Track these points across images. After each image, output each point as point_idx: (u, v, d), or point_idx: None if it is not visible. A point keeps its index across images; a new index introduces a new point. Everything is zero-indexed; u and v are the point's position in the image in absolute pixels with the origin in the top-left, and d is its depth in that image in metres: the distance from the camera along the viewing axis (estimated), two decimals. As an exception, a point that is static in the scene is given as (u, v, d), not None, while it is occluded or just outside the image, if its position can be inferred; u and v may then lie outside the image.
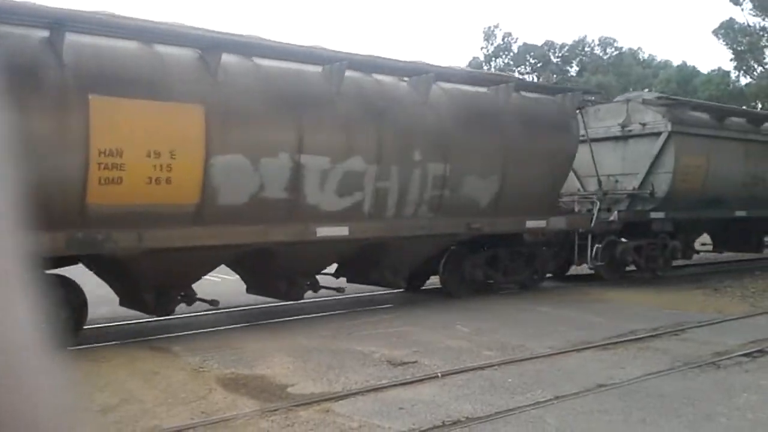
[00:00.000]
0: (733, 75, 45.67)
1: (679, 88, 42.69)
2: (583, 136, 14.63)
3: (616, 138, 15.83)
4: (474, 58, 60.02)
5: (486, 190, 11.93)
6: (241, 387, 6.74)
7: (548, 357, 8.06)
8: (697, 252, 17.83)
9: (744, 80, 45.46)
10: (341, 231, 10.10)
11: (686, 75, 47.84)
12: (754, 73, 45.28)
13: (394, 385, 6.82)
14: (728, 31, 43.54)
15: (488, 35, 60.03)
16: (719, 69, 45.77)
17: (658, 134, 14.93)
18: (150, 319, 10.42)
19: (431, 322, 10.05)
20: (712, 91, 41.48)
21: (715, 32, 44.03)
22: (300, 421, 5.77)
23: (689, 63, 58.17)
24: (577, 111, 15.46)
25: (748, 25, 43.21)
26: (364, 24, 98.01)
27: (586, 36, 61.54)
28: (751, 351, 8.40)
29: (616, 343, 8.83)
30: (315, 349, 8.31)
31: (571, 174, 15.54)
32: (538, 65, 59.39)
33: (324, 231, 9.87)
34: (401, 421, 5.81)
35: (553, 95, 13.68)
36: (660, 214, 15.27)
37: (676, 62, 54.45)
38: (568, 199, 15.15)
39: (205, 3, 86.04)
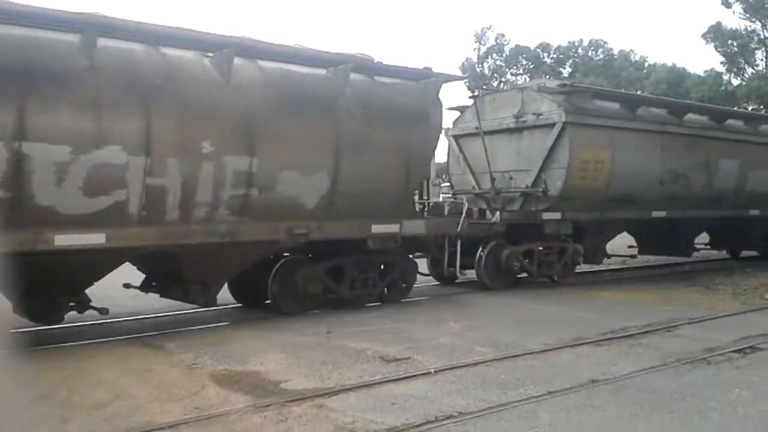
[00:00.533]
0: (725, 77, 45.93)
1: (671, 90, 42.85)
2: (477, 128, 13.84)
3: (510, 130, 14.20)
4: (467, 59, 60.19)
5: (312, 188, 10.09)
6: (235, 383, 6.73)
7: (541, 353, 8.08)
8: (609, 256, 16.03)
9: (736, 82, 45.71)
10: (94, 239, 8.16)
11: (677, 77, 47.99)
12: (745, 74, 45.54)
13: (387, 381, 6.83)
14: (717, 35, 43.78)
15: (480, 36, 60.19)
16: (712, 70, 46.00)
17: (552, 125, 13.33)
18: (142, 316, 10.41)
19: (424, 319, 10.07)
20: (705, 93, 41.65)
21: (705, 35, 44.29)
22: (293, 416, 5.77)
23: (681, 65, 58.38)
24: (471, 98, 14.48)
25: (737, 29, 43.50)
26: (360, 26, 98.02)
27: (582, 39, 61.77)
28: (742, 347, 8.45)
29: (609, 339, 8.86)
30: (308, 346, 8.30)
31: (467, 171, 14.89)
32: (531, 67, 59.57)
33: (66, 239, 7.96)
34: (394, 416, 5.82)
35: (412, 80, 11.60)
36: (554, 215, 13.72)
37: (667, 64, 54.67)
38: (463, 197, 13.69)
39: None
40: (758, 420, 5.93)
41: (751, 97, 41.96)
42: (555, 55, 60.96)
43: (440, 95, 11.76)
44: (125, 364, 7.43)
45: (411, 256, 12.33)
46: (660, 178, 14.91)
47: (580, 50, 61.77)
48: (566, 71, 59.84)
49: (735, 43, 44.18)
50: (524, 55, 59.94)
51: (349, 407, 6.02)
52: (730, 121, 17.16)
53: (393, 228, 11.15)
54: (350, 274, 11.09)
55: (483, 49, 59.98)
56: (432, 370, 7.17)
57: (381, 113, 10.89)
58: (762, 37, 44.26)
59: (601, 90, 16.40)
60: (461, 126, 15.24)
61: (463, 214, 12.50)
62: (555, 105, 13.45)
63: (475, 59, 59.99)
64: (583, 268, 16.55)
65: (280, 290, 10.44)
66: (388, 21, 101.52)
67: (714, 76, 45.33)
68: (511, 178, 14.12)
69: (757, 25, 43.83)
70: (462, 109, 15.29)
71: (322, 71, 10.52)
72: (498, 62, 59.80)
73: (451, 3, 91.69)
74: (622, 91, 17.31)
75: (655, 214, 15.29)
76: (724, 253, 20.61)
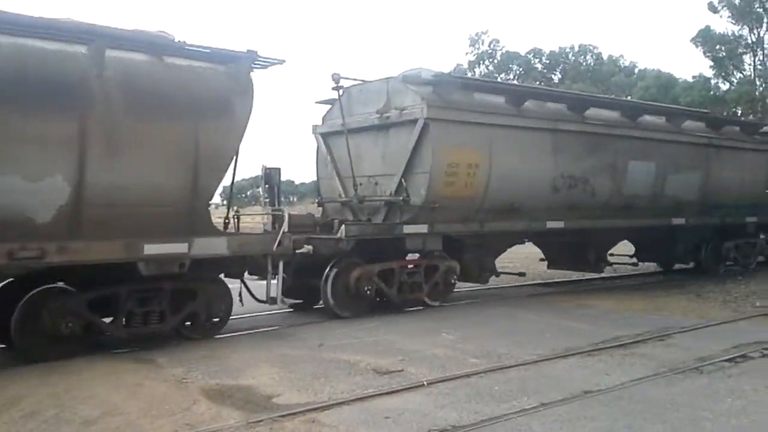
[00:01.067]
0: (713, 82, 46.20)
1: (659, 95, 43.07)
2: (342, 124, 12.05)
3: (377, 128, 12.19)
4: (458, 64, 60.32)
5: (44, 199, 7.87)
6: (226, 398, 6.68)
7: (534, 364, 8.07)
8: (497, 274, 13.72)
9: (724, 87, 45.97)
10: None
11: (665, 82, 48.23)
12: (733, 79, 45.82)
13: (380, 394, 6.79)
14: (706, 39, 44.05)
15: (475, 41, 60.32)
16: (700, 75, 46.26)
17: (415, 122, 11.41)
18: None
19: (416, 331, 10.03)
20: (694, 98, 41.87)
21: (693, 40, 44.54)
22: (286, 432, 5.74)
23: (669, 70, 58.77)
24: (334, 90, 12.05)
25: (726, 34, 43.80)
26: (357, 28, 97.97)
27: (573, 45, 62.09)
28: (734, 356, 8.46)
29: (601, 349, 8.86)
30: (300, 359, 8.26)
31: (334, 175, 12.93)
32: (522, 72, 59.78)
33: None
34: (388, 430, 5.80)
35: (218, 63, 9.35)
36: (419, 228, 11.61)
37: (656, 70, 55.00)
38: (284, 209, 11.00)
39: None
40: (751, 429, 5.94)
41: (741, 101, 42.22)
42: (547, 61, 61.20)
43: (252, 81, 9.55)
44: (115, 379, 7.36)
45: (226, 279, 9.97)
46: (553, 184, 13.05)
47: (570, 56, 62.05)
48: (557, 77, 60.12)
49: (723, 48, 44.47)
50: (515, 61, 60.14)
51: (342, 422, 5.99)
52: (646, 118, 15.31)
53: (177, 248, 8.82)
54: (124, 308, 8.73)
55: (475, 53, 60.10)
56: (425, 383, 7.15)
57: (160, 101, 8.65)
58: (749, 41, 44.57)
59: (476, 81, 14.21)
60: (329, 123, 13.21)
61: (282, 229, 9.96)
62: (419, 98, 11.46)
63: (465, 65, 60.16)
64: (572, 276, 16.56)
65: (21, 330, 8.20)
66: (383, 27, 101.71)
67: (702, 82, 45.57)
68: (376, 183, 12.21)
69: (745, 30, 44.16)
70: (332, 103, 13.12)
71: (71, 48, 8.17)
72: (489, 68, 59.96)
73: (445, 8, 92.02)
74: (503, 82, 14.28)
75: (551, 224, 13.38)
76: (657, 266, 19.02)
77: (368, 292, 11.15)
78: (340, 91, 12.14)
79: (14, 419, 6.11)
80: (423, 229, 11.71)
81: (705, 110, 21.44)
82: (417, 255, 12.11)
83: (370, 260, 11.38)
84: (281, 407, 6.39)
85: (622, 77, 56.99)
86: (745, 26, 44.12)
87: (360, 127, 12.33)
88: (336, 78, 11.81)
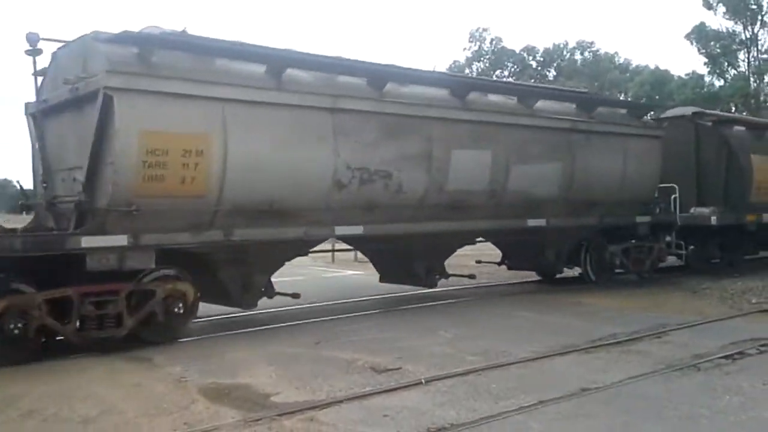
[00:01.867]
0: (707, 78, 46.38)
1: (654, 92, 43.20)
2: (39, 101, 9.66)
3: (72, 104, 9.05)
4: (455, 61, 60.30)
5: None
6: (224, 397, 6.67)
7: (531, 362, 8.07)
8: (271, 296, 10.48)
9: (718, 83, 46.14)
10: None
11: (659, 78, 48.38)
12: (728, 75, 45.98)
13: (379, 392, 6.79)
14: (700, 36, 44.21)
15: (476, 37, 60.20)
16: (693, 72, 46.43)
17: (97, 94, 8.35)
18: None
19: (414, 328, 10.04)
20: (687, 95, 41.99)
21: (688, 36, 44.70)
22: (284, 431, 5.73)
23: (664, 67, 58.83)
24: (31, 56, 9.41)
25: (720, 30, 43.96)
26: (354, 26, 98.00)
27: (567, 42, 62.07)
28: (731, 353, 8.46)
29: (598, 346, 8.87)
30: (298, 357, 8.26)
31: (40, 167, 9.76)
32: (516, 70, 59.79)
33: None
34: (386, 428, 5.79)
35: None
36: (112, 240, 8.41)
37: (650, 66, 55.12)
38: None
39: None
40: (749, 426, 5.95)
41: (735, 97, 42.39)
42: (541, 59, 61.22)
43: None
44: (113, 379, 7.36)
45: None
46: (335, 178, 10.11)
47: (565, 52, 62.09)
48: (551, 74, 60.16)
49: (717, 45, 44.62)
50: (510, 58, 60.17)
51: (340, 420, 5.98)
52: (489, 97, 12.39)
53: None
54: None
55: (473, 49, 60.04)
56: (423, 380, 7.14)
57: None
58: (744, 38, 44.71)
59: (220, 43, 9.84)
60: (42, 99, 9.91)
61: None
62: (106, 62, 8.37)
63: (462, 61, 60.16)
64: (567, 273, 15.47)
65: None
66: (382, 24, 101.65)
67: (696, 78, 45.76)
68: (74, 179, 8.93)
69: (739, 27, 44.31)
70: (44, 74, 9.97)
71: None
72: (486, 64, 59.97)
73: (443, 4, 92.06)
74: (274, 47, 10.65)
75: (343, 230, 10.77)
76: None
77: (16, 332, 7.86)
78: (36, 58, 9.49)
79: (13, 418, 6.11)
80: (121, 241, 8.45)
81: (582, 90, 18.80)
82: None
83: (42, 285, 8.18)
84: (279, 406, 6.38)
85: (617, 74, 57.11)
86: (739, 23, 44.31)
87: (58, 104, 9.37)
88: (32, 39, 9.15)
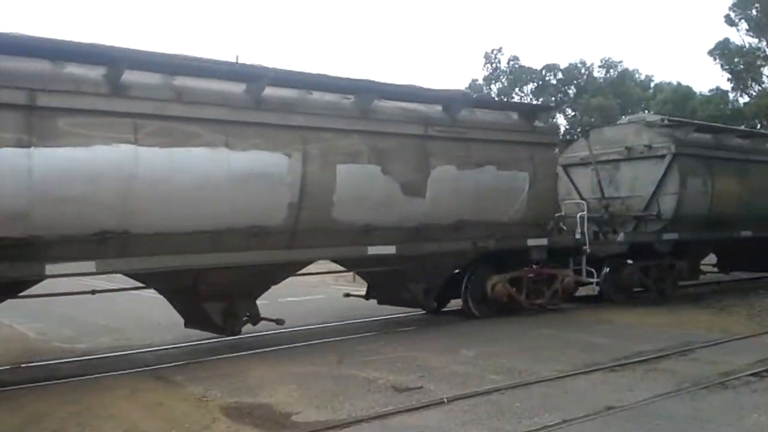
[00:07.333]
0: (731, 95, 45.95)
1: (676, 109, 42.86)
2: None
3: None
4: (473, 80, 60.31)
5: None
6: (245, 416, 6.67)
7: (555, 380, 7.98)
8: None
9: (742, 100, 45.71)
10: None
11: (682, 96, 48.00)
12: (752, 92, 45.54)
13: (400, 412, 6.74)
14: (724, 52, 43.88)
15: (490, 58, 60.26)
16: (717, 89, 46.03)
17: None
18: (153, 349, 10.38)
19: (435, 347, 9.97)
20: (711, 112, 41.62)
21: (711, 53, 44.38)
22: (305, 450, 5.71)
23: (686, 83, 58.41)
24: None
25: (744, 46, 43.64)
26: (370, 46, 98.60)
27: (585, 60, 61.87)
28: (759, 370, 8.30)
29: (624, 364, 8.74)
30: (318, 376, 8.24)
31: None
32: (536, 88, 59.67)
33: None
34: (408, 448, 5.75)
35: None
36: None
37: (673, 83, 54.70)
38: None
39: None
40: (778, 446, 5.84)
41: (760, 114, 41.92)
42: (561, 77, 61.07)
43: None
44: (136, 398, 7.38)
45: None
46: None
47: (583, 70, 61.84)
48: (572, 91, 59.93)
49: (741, 61, 44.26)
50: (529, 76, 60.07)
51: (361, 439, 5.95)
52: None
53: None
54: None
55: (490, 69, 60.03)
56: (445, 400, 7.09)
57: None
58: (767, 54, 44.30)
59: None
60: None
61: None
62: None
63: (480, 80, 60.16)
64: (581, 292, 14.99)
65: None
66: (398, 41, 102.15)
67: (720, 95, 45.35)
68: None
69: (763, 43, 43.94)
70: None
71: None
72: (505, 83, 59.90)
73: (460, 23, 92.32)
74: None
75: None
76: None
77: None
78: None
79: (36, 438, 6.14)
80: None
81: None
82: None
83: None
84: (300, 425, 6.36)
85: (639, 91, 56.78)
86: (763, 39, 43.93)
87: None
88: None
